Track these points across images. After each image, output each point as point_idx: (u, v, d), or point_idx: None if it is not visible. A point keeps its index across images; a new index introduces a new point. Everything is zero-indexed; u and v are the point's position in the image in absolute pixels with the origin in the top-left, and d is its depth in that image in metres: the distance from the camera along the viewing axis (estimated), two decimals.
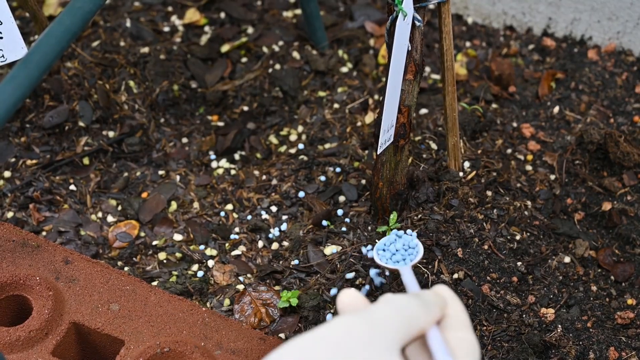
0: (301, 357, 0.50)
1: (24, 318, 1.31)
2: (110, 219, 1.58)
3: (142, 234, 1.56)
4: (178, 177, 1.66)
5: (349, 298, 0.59)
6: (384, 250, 0.72)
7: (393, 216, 1.45)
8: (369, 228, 1.50)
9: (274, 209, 1.59)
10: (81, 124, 1.67)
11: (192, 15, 1.95)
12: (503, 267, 1.42)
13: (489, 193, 1.54)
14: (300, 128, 1.74)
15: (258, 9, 2.00)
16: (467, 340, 0.58)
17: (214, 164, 1.69)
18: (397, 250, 0.71)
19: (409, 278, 0.67)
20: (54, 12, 1.92)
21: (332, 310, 1.40)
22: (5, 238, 1.42)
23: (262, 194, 1.62)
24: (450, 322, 0.59)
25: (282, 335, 1.38)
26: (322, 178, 1.62)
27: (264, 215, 1.58)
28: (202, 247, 1.53)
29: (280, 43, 1.90)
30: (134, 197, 1.62)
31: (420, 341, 0.60)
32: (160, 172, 1.66)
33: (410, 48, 1.28)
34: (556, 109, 1.76)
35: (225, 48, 1.88)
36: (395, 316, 0.54)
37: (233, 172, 1.67)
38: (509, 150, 1.66)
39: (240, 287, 1.45)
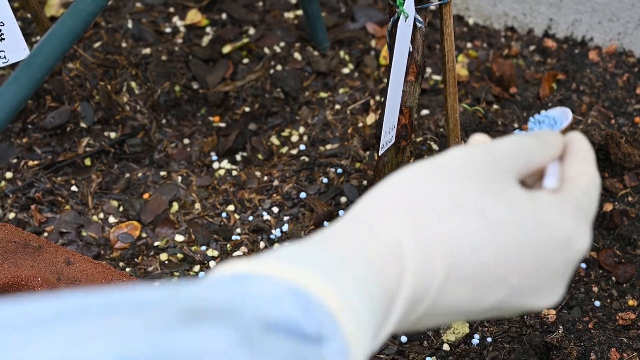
0: (422, 177, 0.51)
1: None
2: (111, 219, 1.58)
3: (144, 235, 1.56)
4: (179, 178, 1.66)
5: (478, 140, 0.61)
6: (536, 122, 0.74)
7: None
8: None
9: (275, 210, 1.59)
10: (83, 125, 1.67)
11: (194, 16, 1.95)
12: None
13: None
14: (301, 129, 1.74)
15: (259, 9, 2.00)
16: (587, 172, 0.58)
17: (215, 165, 1.69)
18: (547, 117, 0.73)
19: None
20: (55, 13, 1.92)
21: None
22: (6, 239, 1.42)
23: (264, 195, 1.62)
24: (572, 158, 0.60)
25: None
26: (324, 179, 1.62)
27: (266, 216, 1.58)
28: (203, 248, 1.54)
29: (282, 44, 1.90)
30: (136, 198, 1.62)
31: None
32: (162, 173, 1.66)
33: (411, 49, 1.28)
34: None
35: (226, 49, 1.88)
36: (514, 148, 0.55)
37: (234, 173, 1.67)
38: None
39: None
